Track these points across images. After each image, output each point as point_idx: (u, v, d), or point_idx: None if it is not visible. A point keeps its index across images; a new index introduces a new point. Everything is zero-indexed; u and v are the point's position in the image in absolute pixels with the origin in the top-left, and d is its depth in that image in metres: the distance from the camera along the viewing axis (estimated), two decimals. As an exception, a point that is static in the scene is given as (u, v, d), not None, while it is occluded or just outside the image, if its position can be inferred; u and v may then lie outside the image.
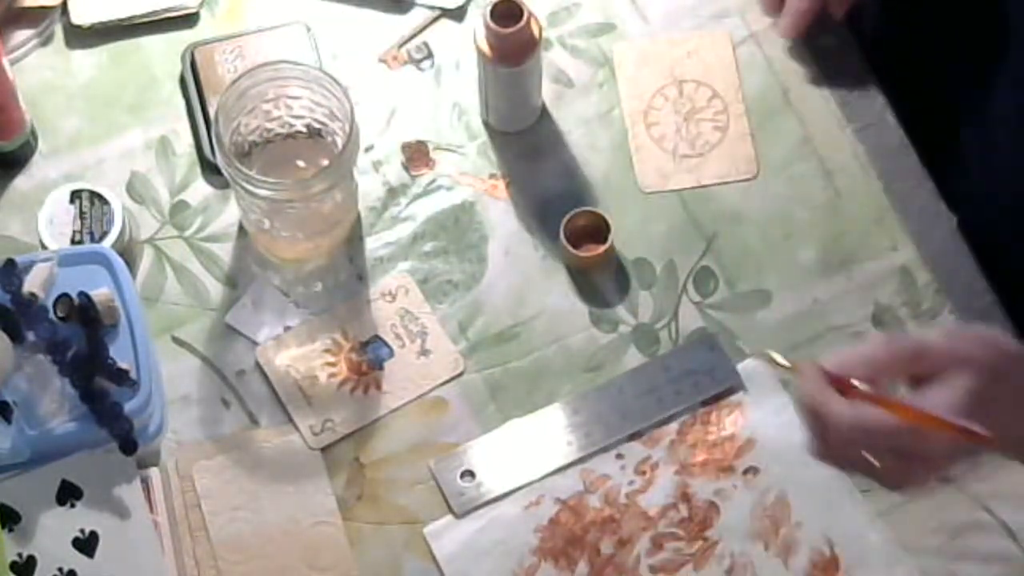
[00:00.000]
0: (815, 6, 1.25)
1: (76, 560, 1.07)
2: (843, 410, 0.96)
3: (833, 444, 0.98)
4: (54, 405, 1.07)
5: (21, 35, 1.29)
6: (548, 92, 1.27)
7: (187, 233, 1.23)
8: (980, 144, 1.25)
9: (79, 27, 1.29)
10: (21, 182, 1.25)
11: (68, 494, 1.08)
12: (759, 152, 1.25)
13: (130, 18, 1.29)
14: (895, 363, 0.98)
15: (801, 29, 1.26)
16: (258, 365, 1.19)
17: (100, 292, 1.09)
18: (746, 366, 1.18)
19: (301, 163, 1.20)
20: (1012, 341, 1.00)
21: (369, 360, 1.19)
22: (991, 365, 0.97)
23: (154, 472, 1.12)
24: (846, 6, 1.25)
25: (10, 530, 1.07)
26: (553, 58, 1.29)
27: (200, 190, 1.25)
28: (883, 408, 0.96)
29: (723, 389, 1.17)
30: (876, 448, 0.96)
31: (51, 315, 1.09)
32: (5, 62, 1.20)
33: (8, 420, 1.07)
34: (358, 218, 1.23)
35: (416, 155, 1.26)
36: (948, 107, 1.28)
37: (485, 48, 1.19)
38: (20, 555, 1.07)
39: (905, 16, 1.30)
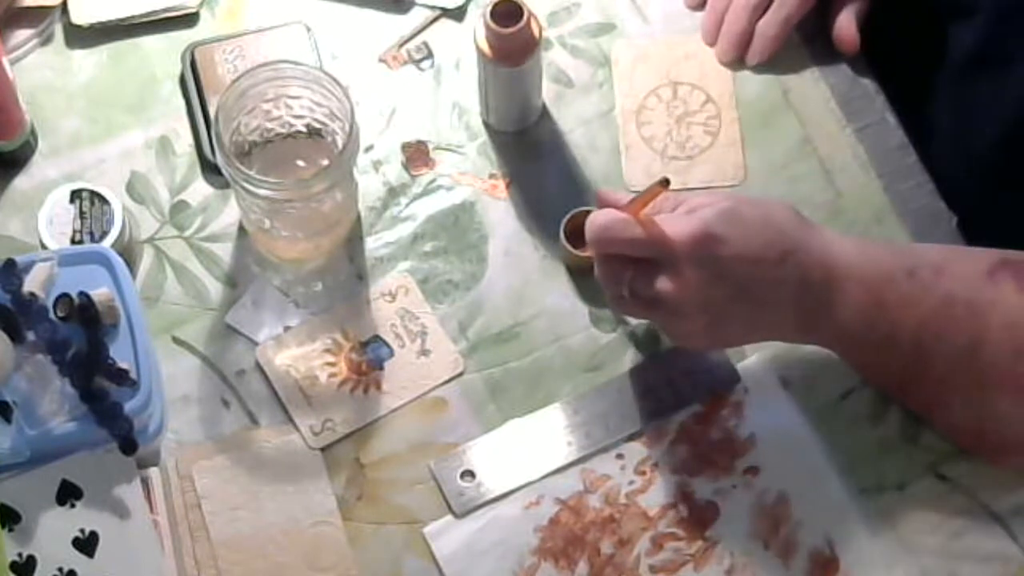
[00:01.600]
0: (784, 32, 1.26)
1: (76, 560, 1.07)
2: (601, 212, 1.11)
3: (601, 256, 1.11)
4: (54, 405, 1.07)
5: (21, 35, 1.29)
6: (548, 92, 1.27)
7: (187, 233, 1.23)
8: (978, 143, 1.25)
9: (79, 27, 1.29)
10: (21, 182, 1.25)
11: (68, 494, 1.08)
12: (748, 158, 1.25)
13: (130, 18, 1.29)
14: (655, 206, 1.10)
15: (767, 56, 1.27)
16: (258, 365, 1.19)
17: (100, 292, 1.09)
18: (746, 366, 1.18)
19: (301, 163, 1.20)
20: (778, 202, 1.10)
21: (369, 360, 1.19)
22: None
23: (154, 472, 1.12)
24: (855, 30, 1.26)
25: (10, 530, 1.07)
26: (553, 58, 1.29)
27: (200, 190, 1.25)
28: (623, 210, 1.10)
29: (723, 389, 1.17)
30: (623, 248, 1.09)
31: (51, 315, 1.09)
32: (5, 62, 1.20)
33: (8, 420, 1.07)
34: (358, 218, 1.24)
35: (416, 155, 1.26)
36: (948, 106, 1.28)
37: (485, 48, 1.19)
38: (20, 555, 1.07)
39: (905, 15, 1.30)
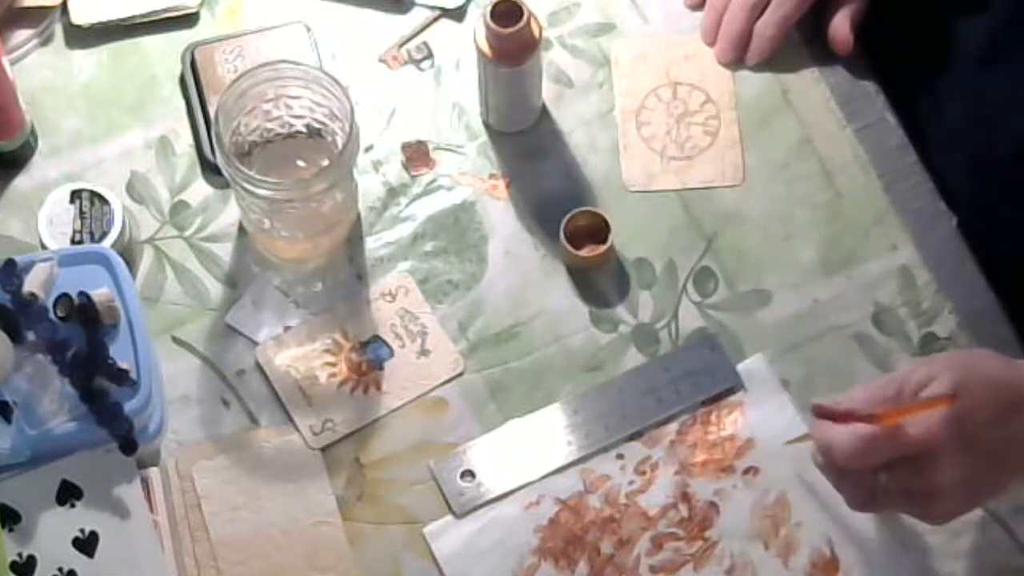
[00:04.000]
0: (782, 32, 1.26)
1: (76, 560, 1.07)
2: (840, 432, 1.04)
3: (844, 469, 1.05)
4: (54, 405, 1.07)
5: (21, 35, 1.29)
6: (548, 92, 1.27)
7: (187, 233, 1.23)
8: (976, 143, 1.25)
9: (79, 27, 1.29)
10: (21, 182, 1.25)
11: (68, 494, 1.08)
12: (748, 158, 1.25)
13: (130, 18, 1.29)
14: (875, 396, 1.05)
15: (766, 56, 1.27)
16: (258, 365, 1.19)
17: (100, 292, 1.09)
18: (746, 366, 1.18)
19: (301, 163, 1.20)
20: (984, 353, 1.07)
21: (369, 360, 1.19)
22: (962, 370, 1.04)
23: (154, 472, 1.12)
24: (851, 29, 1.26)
25: (10, 530, 1.07)
26: (553, 58, 1.29)
27: (200, 190, 1.25)
28: (868, 421, 1.04)
29: (723, 389, 1.17)
30: (877, 461, 1.04)
31: (51, 315, 1.09)
32: (5, 62, 1.20)
33: (8, 420, 1.07)
34: (358, 218, 1.24)
35: (416, 155, 1.26)
36: (958, 103, 1.28)
37: (485, 48, 1.19)
38: (20, 555, 1.07)
39: (905, 13, 1.30)
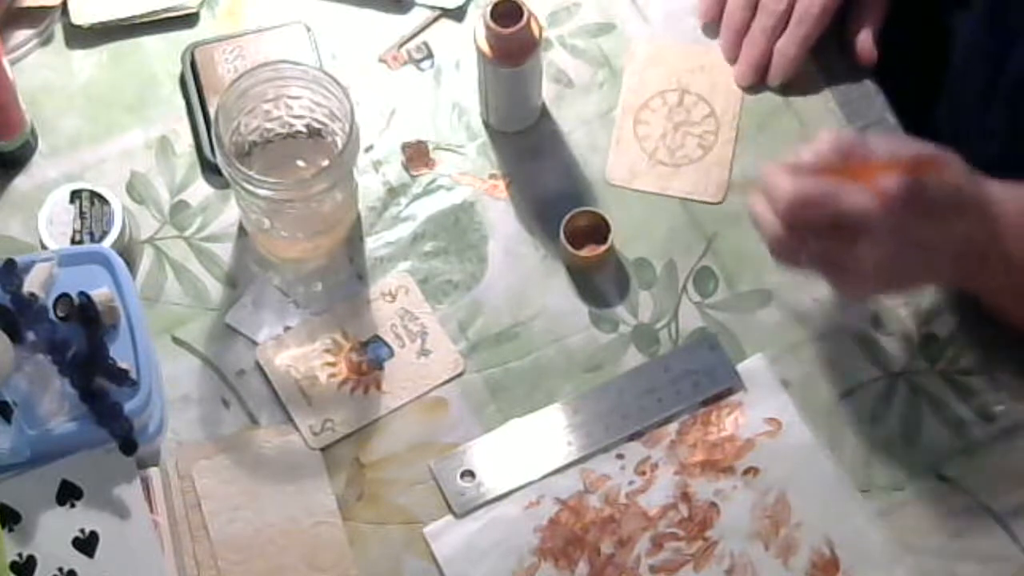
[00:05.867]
0: (803, 51, 1.25)
1: (76, 560, 1.07)
2: (786, 180, 1.05)
3: (782, 219, 1.06)
4: (54, 405, 1.07)
5: (21, 35, 1.29)
6: (548, 92, 1.27)
7: (187, 233, 1.23)
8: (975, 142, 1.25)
9: (79, 27, 1.29)
10: (21, 182, 1.25)
11: (68, 494, 1.08)
12: (748, 158, 1.25)
13: (130, 18, 1.29)
14: (836, 151, 1.06)
15: (788, 76, 1.27)
16: (258, 365, 1.19)
17: (100, 292, 1.09)
18: (746, 366, 1.18)
19: (301, 163, 1.20)
20: (952, 156, 1.07)
21: (369, 360, 1.19)
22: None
23: (154, 472, 1.12)
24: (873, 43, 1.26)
25: (10, 530, 1.07)
26: (553, 58, 1.29)
27: (200, 190, 1.25)
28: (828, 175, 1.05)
29: (723, 389, 1.18)
30: (814, 217, 1.05)
31: (51, 315, 1.09)
32: (5, 62, 1.20)
33: (8, 420, 1.07)
34: (358, 218, 1.24)
35: (416, 155, 1.26)
36: (947, 105, 1.28)
37: (485, 48, 1.19)
38: (20, 555, 1.07)
39: (904, 14, 1.30)
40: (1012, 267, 1.09)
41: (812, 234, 1.06)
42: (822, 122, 1.26)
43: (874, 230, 1.04)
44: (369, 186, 1.25)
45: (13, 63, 1.26)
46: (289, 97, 1.17)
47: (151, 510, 1.10)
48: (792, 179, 1.05)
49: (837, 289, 1.12)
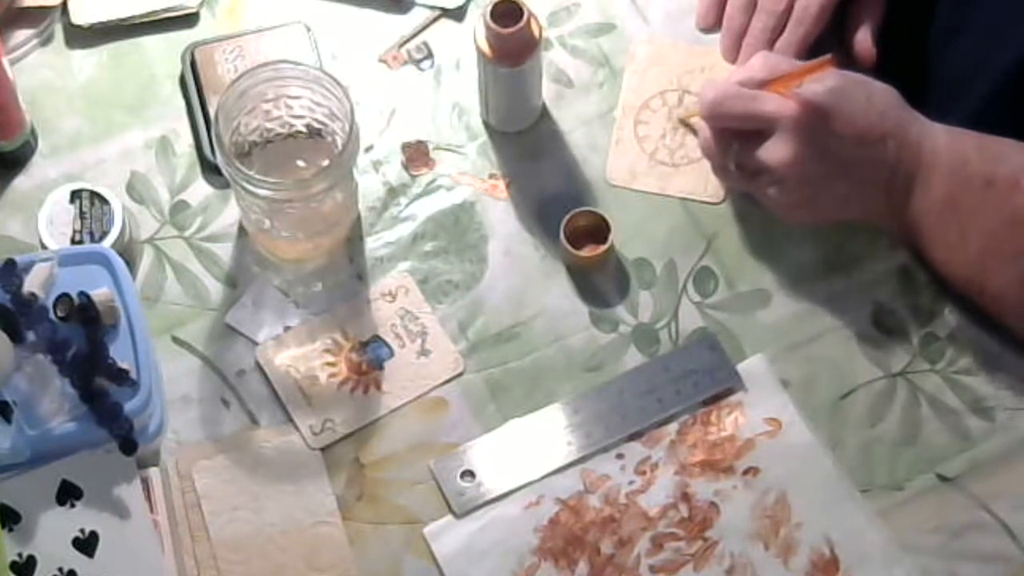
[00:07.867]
0: (802, 51, 1.25)
1: (76, 560, 1.07)
2: (712, 86, 1.17)
3: (706, 120, 1.18)
4: (54, 405, 1.07)
5: (21, 35, 1.29)
6: (548, 92, 1.27)
7: (187, 233, 1.23)
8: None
9: (79, 27, 1.29)
10: (21, 182, 1.25)
11: (68, 494, 1.08)
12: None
13: (130, 18, 1.29)
14: (764, 68, 1.17)
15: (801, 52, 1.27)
16: (258, 365, 1.19)
17: (100, 292, 1.09)
18: (746, 366, 1.18)
19: (301, 163, 1.20)
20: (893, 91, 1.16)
21: (369, 360, 1.19)
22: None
23: (154, 472, 1.12)
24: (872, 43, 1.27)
25: (10, 530, 1.07)
26: (553, 58, 1.29)
27: (200, 190, 1.25)
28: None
29: (723, 389, 1.18)
30: (730, 113, 1.16)
31: (51, 315, 1.09)
32: (5, 62, 1.20)
33: (8, 420, 1.07)
34: (358, 218, 1.24)
35: (416, 155, 1.26)
36: (947, 105, 1.28)
37: (485, 48, 1.19)
38: (20, 555, 1.07)
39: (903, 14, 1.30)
40: (934, 202, 1.13)
41: (736, 140, 1.16)
42: (822, 122, 1.26)
43: (784, 131, 1.12)
44: (369, 186, 1.25)
45: (13, 63, 1.26)
46: (289, 97, 1.17)
47: (151, 510, 1.10)
48: (717, 85, 1.17)
49: (769, 206, 1.18)
